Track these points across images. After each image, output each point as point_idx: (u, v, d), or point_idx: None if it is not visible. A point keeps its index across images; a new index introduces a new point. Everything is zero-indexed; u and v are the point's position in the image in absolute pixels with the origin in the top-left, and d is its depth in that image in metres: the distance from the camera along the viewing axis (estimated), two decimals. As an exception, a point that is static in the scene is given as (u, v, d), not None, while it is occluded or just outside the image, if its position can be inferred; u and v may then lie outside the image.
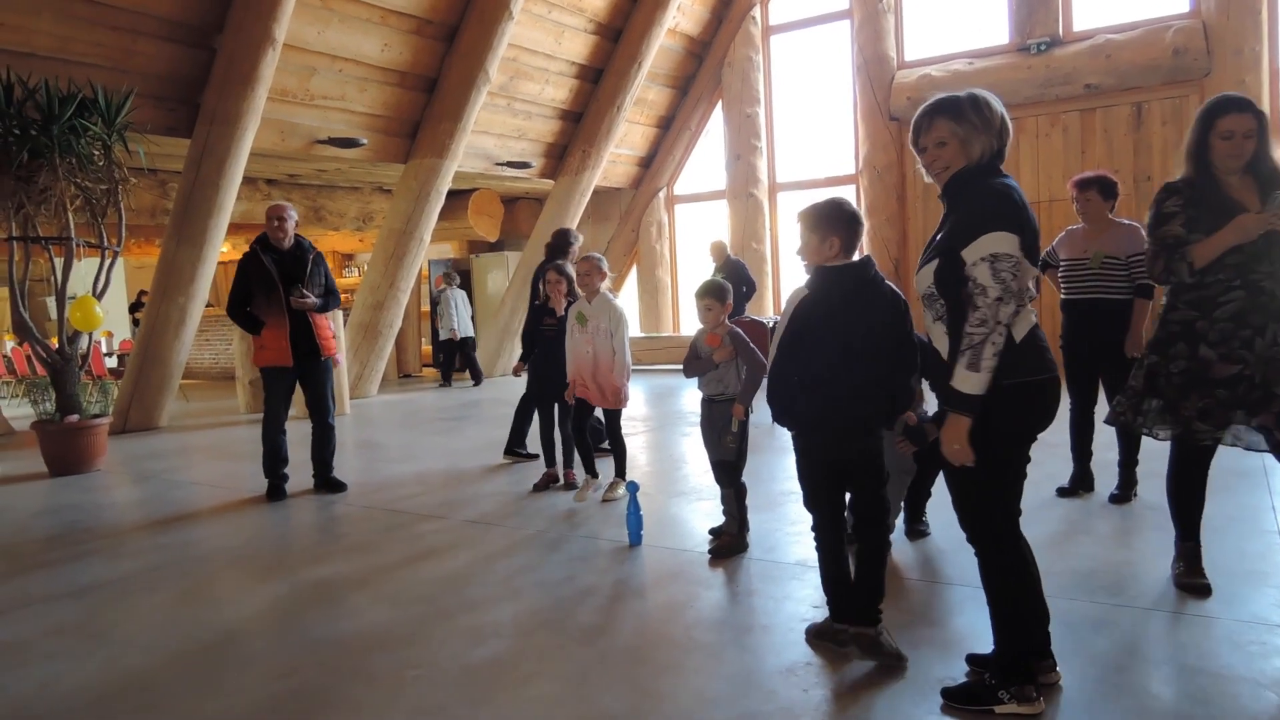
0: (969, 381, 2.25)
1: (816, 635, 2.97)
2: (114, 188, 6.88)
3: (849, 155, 12.18)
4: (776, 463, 6.06)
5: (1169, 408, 3.15)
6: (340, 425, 6.67)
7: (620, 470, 5.17)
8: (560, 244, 6.14)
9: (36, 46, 7.09)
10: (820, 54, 12.68)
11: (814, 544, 2.95)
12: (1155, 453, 5.23)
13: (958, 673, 2.65)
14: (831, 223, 2.76)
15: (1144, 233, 4.55)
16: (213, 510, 5.39)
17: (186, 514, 5.34)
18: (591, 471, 5.15)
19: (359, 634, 3.28)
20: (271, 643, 3.25)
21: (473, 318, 12.51)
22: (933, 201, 11.19)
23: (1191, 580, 3.28)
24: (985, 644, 2.75)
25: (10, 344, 12.56)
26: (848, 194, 12.17)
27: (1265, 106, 9.77)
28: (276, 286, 5.32)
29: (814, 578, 3.64)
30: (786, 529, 4.38)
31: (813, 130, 12.90)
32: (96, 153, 6.71)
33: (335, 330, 8.61)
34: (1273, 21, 9.79)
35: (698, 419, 4.23)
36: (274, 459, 5.50)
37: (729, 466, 4.01)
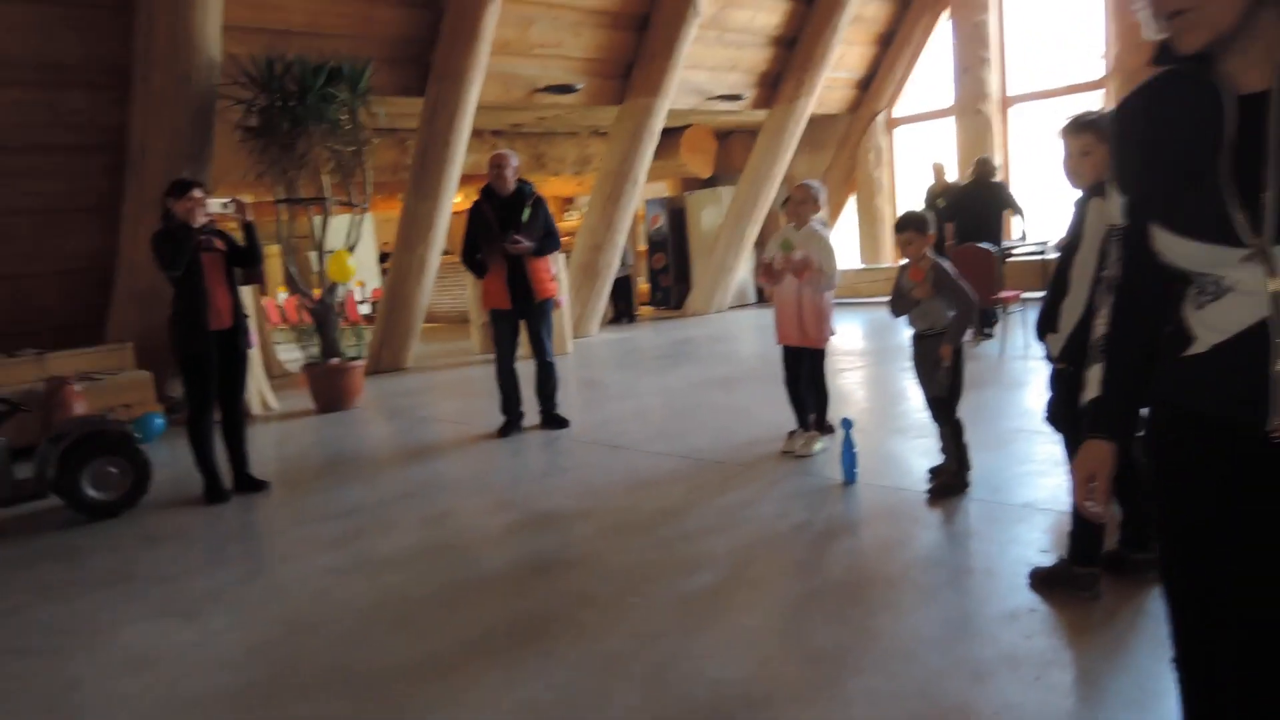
0: None
1: (1045, 582, 2.82)
2: (360, 149, 7.52)
3: (1095, 59, 10.99)
4: (1006, 398, 5.73)
5: None
6: (563, 364, 7.00)
7: (821, 421, 4.86)
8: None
9: (292, 24, 7.79)
10: (1061, -53, 11.44)
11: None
12: None
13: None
14: None
15: None
16: (453, 444, 5.87)
17: (431, 447, 5.85)
18: (804, 424, 4.86)
19: (582, 562, 3.49)
20: (506, 567, 3.53)
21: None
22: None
23: None
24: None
25: (283, 295, 14.16)
26: (1093, 102, 11.02)
27: None
28: (495, 233, 5.61)
29: (1042, 520, 3.45)
30: (1014, 469, 4.14)
31: (1053, 34, 11.73)
32: (344, 118, 7.34)
33: (556, 272, 8.98)
34: None
35: (917, 353, 4.04)
36: (505, 397, 5.88)
37: (942, 403, 3.84)
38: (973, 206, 8.59)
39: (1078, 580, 2.73)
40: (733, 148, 14.19)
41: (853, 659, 2.50)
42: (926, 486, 3.94)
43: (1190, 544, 1.39)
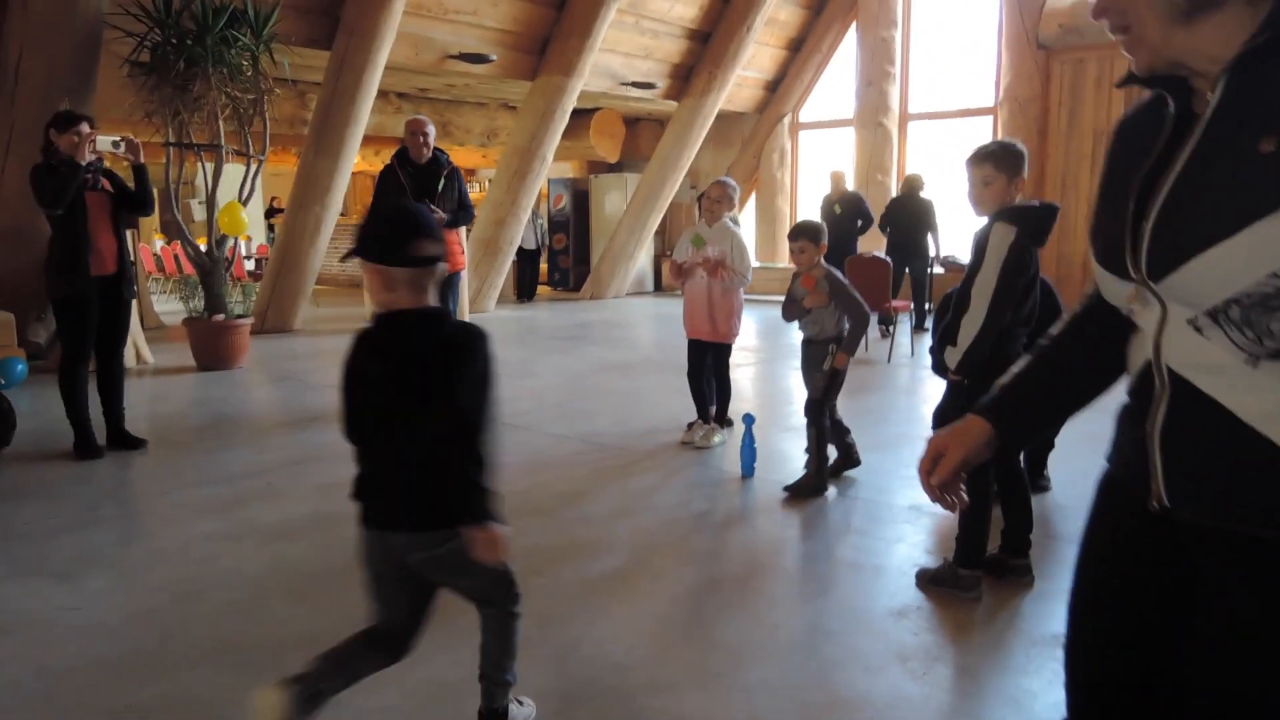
0: None
1: (931, 581, 2.98)
2: (260, 97, 7.16)
3: (988, 86, 11.55)
4: (895, 403, 5.99)
5: None
6: (463, 338, 6.88)
7: (721, 415, 4.95)
8: None
9: (192, -44, 7.34)
10: (966, -25, 11.95)
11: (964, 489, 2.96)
12: None
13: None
14: (1019, 162, 2.81)
15: None
16: (345, 412, 5.70)
17: (323, 414, 5.66)
18: (704, 416, 4.93)
19: (483, 540, 3.47)
20: (403, 541, 3.46)
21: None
22: (1076, 139, 10.52)
23: None
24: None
25: (160, 242, 13.37)
26: (984, 127, 11.58)
27: None
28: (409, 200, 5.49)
29: (927, 522, 3.64)
30: (901, 471, 4.34)
31: (951, 57, 12.26)
32: (245, 63, 6.97)
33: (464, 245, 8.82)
34: None
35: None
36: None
37: (815, 404, 4.01)
38: (903, 220, 9.09)
39: (961, 582, 2.90)
40: (641, 135, 14.24)
41: (752, 649, 2.58)
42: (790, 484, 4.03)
43: (1089, 610, 1.28)
